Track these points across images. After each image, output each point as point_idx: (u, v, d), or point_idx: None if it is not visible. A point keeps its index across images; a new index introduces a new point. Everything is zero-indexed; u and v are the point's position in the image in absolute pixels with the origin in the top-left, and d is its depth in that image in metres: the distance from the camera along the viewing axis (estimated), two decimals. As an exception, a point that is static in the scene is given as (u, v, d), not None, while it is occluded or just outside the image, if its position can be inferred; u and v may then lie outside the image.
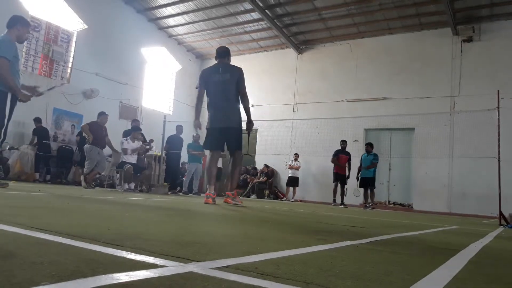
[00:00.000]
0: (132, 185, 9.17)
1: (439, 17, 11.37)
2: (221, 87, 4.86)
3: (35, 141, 9.61)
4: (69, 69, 11.35)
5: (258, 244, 1.57)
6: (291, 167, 12.59)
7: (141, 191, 9.18)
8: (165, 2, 12.60)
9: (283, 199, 12.54)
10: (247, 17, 12.86)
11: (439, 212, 10.63)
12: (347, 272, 1.08)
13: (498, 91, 6.76)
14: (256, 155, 13.94)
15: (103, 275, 0.79)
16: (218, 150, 5.08)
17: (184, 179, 10.28)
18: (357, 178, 10.34)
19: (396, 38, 12.52)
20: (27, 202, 3.09)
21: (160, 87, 14.75)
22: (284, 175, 13.21)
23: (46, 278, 0.74)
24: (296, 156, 12.70)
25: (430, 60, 11.85)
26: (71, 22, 11.34)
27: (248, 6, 12.00)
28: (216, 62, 5.12)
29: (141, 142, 9.26)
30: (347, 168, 10.60)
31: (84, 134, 8.52)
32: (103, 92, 11.71)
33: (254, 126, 5.28)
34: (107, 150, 8.80)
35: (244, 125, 4.96)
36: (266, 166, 13.38)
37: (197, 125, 5.30)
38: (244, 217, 3.34)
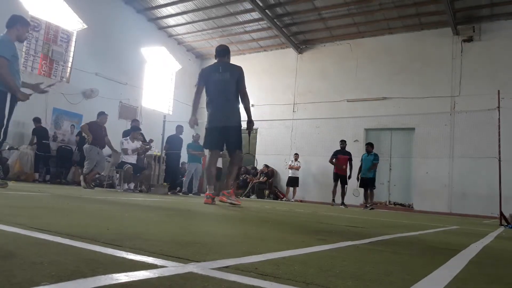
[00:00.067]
0: (132, 185, 9.16)
1: (439, 17, 11.37)
2: (221, 86, 4.82)
3: (35, 141, 9.61)
4: (68, 69, 11.35)
5: (258, 244, 1.57)
6: (291, 167, 12.59)
7: (140, 191, 9.18)
8: (165, 2, 12.60)
9: (283, 199, 12.53)
10: (247, 16, 12.86)
11: (439, 212, 10.63)
12: (347, 272, 1.08)
13: (499, 91, 6.76)
14: (256, 155, 13.94)
15: (103, 275, 0.79)
16: (217, 149, 5.03)
17: (184, 179, 10.27)
18: (358, 179, 10.34)
19: (396, 38, 12.52)
20: (27, 202, 3.08)
21: (160, 87, 14.75)
22: (284, 175, 13.21)
23: (46, 278, 0.74)
24: (296, 156, 12.70)
25: (430, 60, 11.85)
26: (71, 22, 11.33)
27: (248, 5, 12.00)
28: (215, 61, 5.07)
29: (141, 142, 9.25)
30: (348, 168, 10.56)
31: (83, 134, 8.51)
32: (103, 92, 11.71)
33: (254, 126, 5.22)
34: (106, 150, 8.80)
35: (244, 125, 4.91)
36: (266, 166, 13.37)
37: (193, 122, 5.03)
38: (244, 217, 3.34)
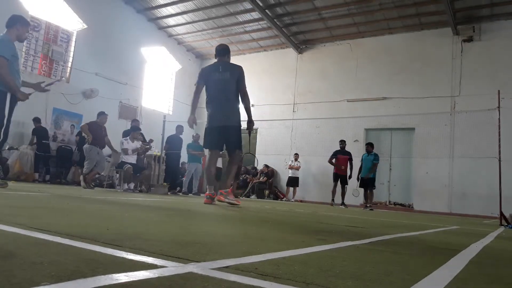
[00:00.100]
0: (132, 185, 9.16)
1: (439, 17, 11.37)
2: (221, 86, 4.80)
3: (35, 141, 9.61)
4: (68, 69, 11.35)
5: (258, 244, 1.57)
6: (291, 167, 12.59)
7: (140, 191, 9.18)
8: (165, 2, 12.61)
9: (283, 199, 12.53)
10: (247, 16, 12.86)
11: (439, 212, 10.63)
12: (347, 272, 1.08)
13: (499, 91, 6.77)
14: (256, 155, 13.94)
15: (103, 275, 0.79)
16: (217, 149, 5.02)
17: (184, 179, 10.27)
18: (358, 179, 10.33)
19: (396, 38, 12.53)
20: (26, 202, 3.08)
21: (160, 87, 14.75)
22: (284, 175, 13.21)
23: (46, 278, 0.74)
24: (296, 156, 12.70)
25: (430, 60, 11.86)
26: (71, 22, 11.34)
27: (248, 5, 12.00)
28: (216, 60, 5.06)
29: (140, 142, 9.25)
30: (348, 168, 10.55)
31: (83, 134, 8.51)
32: (103, 92, 11.71)
33: (254, 126, 5.20)
34: (106, 150, 8.80)
35: (244, 125, 4.90)
36: (266, 166, 13.37)
37: (192, 121, 4.99)
38: (244, 217, 3.34)
